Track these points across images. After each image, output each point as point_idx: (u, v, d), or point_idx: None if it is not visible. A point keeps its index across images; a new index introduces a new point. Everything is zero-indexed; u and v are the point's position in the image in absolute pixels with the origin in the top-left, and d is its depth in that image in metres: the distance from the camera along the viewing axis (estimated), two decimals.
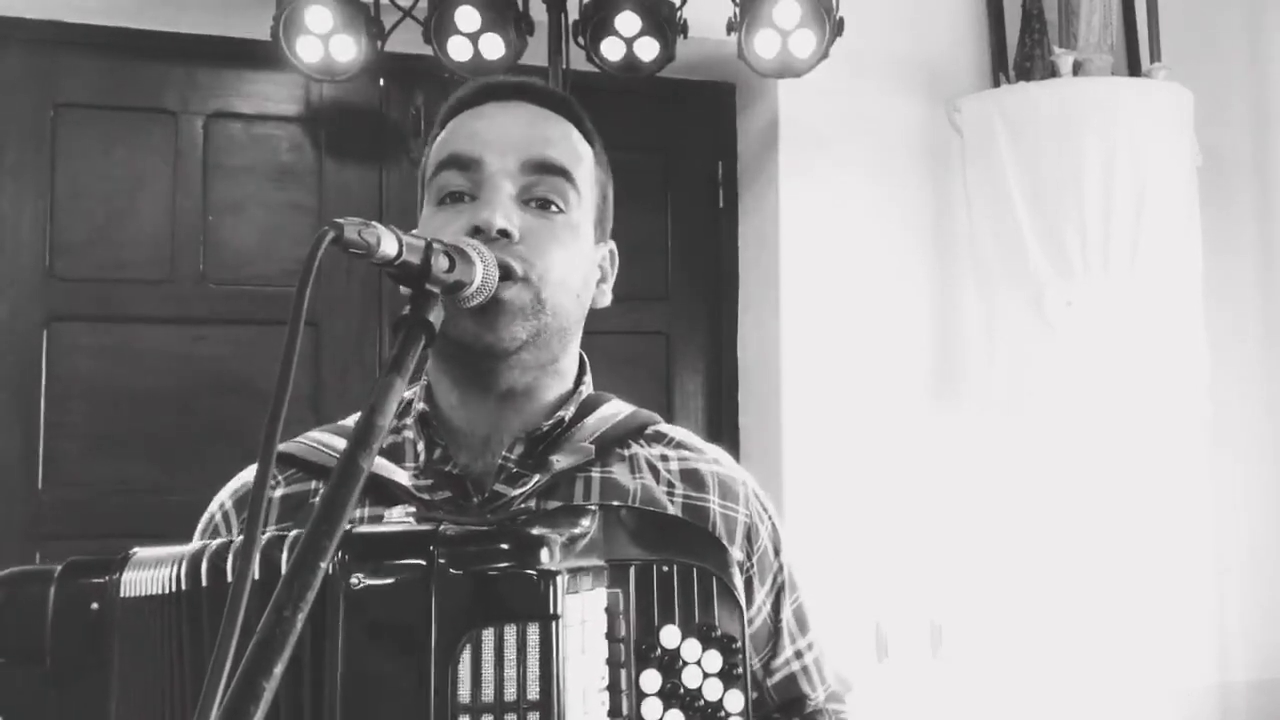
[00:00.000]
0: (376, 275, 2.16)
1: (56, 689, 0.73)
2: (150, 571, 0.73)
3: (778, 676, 0.98)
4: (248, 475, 0.96)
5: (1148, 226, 2.13)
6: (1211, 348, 2.22)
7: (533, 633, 0.65)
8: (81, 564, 0.75)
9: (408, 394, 0.95)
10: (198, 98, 2.16)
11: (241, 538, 0.74)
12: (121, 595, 0.73)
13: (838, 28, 1.97)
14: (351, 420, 0.96)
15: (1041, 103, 2.19)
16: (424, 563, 0.66)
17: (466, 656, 0.65)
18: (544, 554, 0.67)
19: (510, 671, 0.65)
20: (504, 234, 0.84)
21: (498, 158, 0.88)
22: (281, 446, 0.89)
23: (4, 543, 2.00)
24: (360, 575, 0.67)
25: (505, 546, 0.67)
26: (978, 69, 2.38)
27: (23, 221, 2.07)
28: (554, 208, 0.89)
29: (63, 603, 0.73)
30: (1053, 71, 2.24)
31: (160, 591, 0.72)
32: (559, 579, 0.66)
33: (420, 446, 0.90)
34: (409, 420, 0.92)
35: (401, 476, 0.86)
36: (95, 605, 0.73)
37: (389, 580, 0.67)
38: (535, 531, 0.69)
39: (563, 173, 0.89)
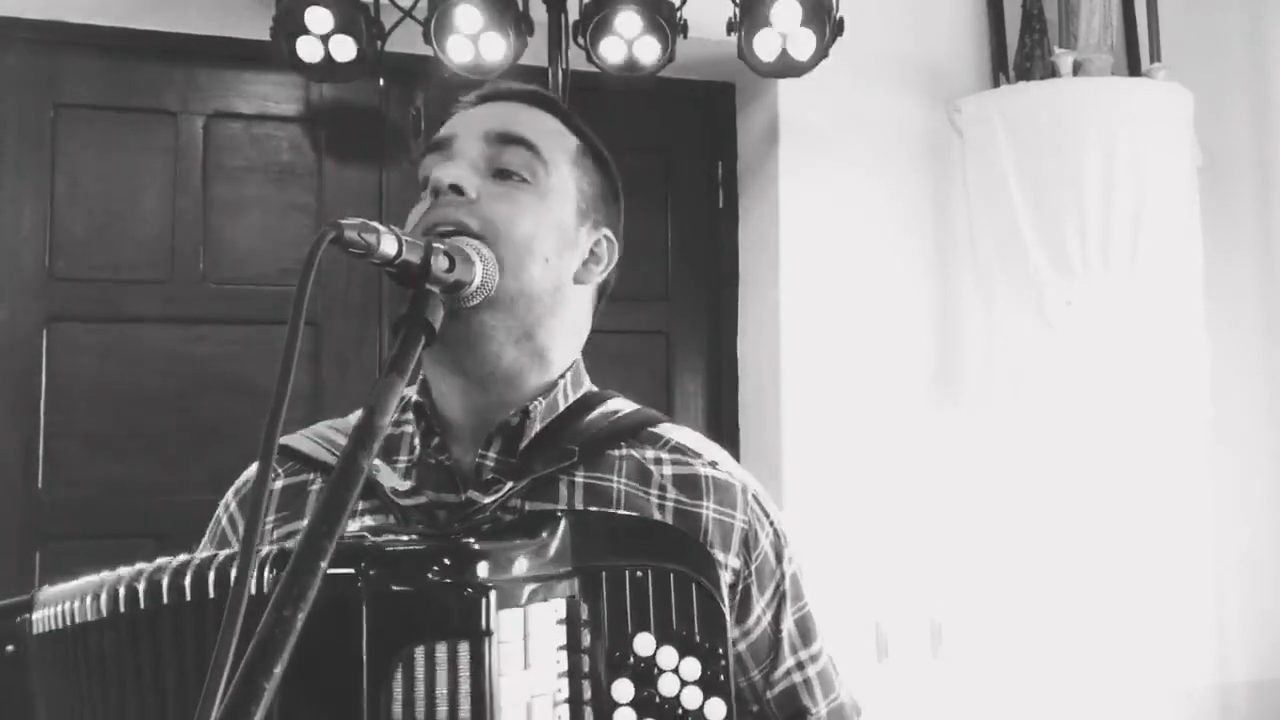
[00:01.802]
0: (376, 275, 2.16)
1: None
2: (60, 607, 0.75)
3: (778, 689, 0.95)
4: (251, 473, 0.97)
5: (1148, 226, 2.13)
6: (1211, 348, 2.22)
7: (463, 651, 0.63)
8: None
9: (410, 391, 0.95)
10: (198, 98, 2.16)
11: (159, 560, 0.74)
12: (35, 632, 0.74)
13: (838, 28, 1.97)
14: (354, 417, 0.96)
15: (1041, 103, 2.19)
16: (354, 580, 0.65)
17: (399, 675, 0.63)
18: (480, 569, 0.65)
19: (442, 690, 0.63)
20: (456, 189, 0.85)
21: (464, 132, 0.90)
22: (283, 439, 0.90)
23: (4, 543, 2.00)
24: None
25: (443, 562, 0.65)
26: (978, 69, 2.38)
27: (23, 221, 2.06)
28: (518, 178, 0.88)
29: None
30: (1053, 71, 2.24)
31: (76, 622, 0.73)
32: (491, 595, 0.64)
33: (416, 439, 0.90)
34: (409, 414, 0.92)
35: (386, 476, 0.86)
36: (10, 647, 0.75)
37: (320, 599, 0.66)
38: (476, 547, 0.67)
39: (528, 145, 0.89)
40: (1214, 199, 2.32)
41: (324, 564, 0.55)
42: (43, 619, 0.75)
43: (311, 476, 0.91)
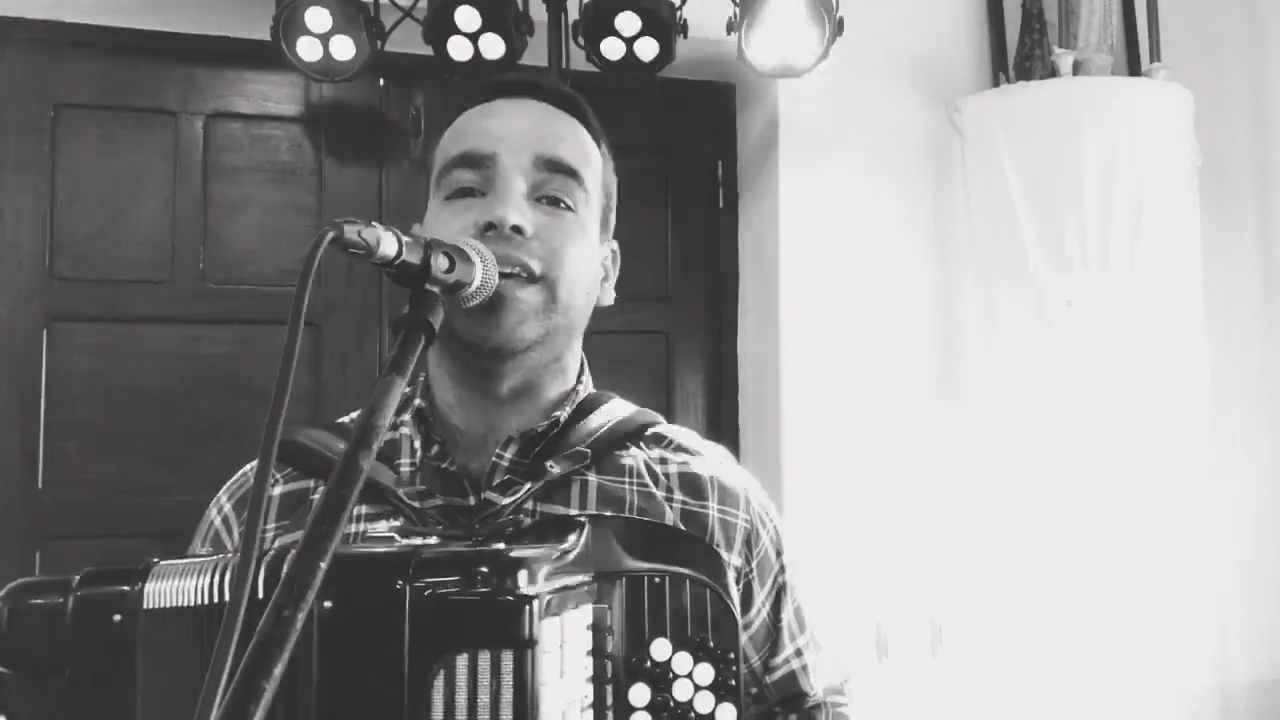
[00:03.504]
0: (377, 275, 2.16)
1: (77, 702, 0.72)
2: (175, 582, 0.72)
3: (778, 674, 0.98)
4: (245, 472, 0.96)
5: (1147, 226, 2.13)
6: (1211, 347, 2.22)
7: (507, 659, 0.63)
8: (100, 574, 0.74)
9: (408, 393, 0.94)
10: (198, 98, 2.16)
11: (271, 551, 0.72)
12: (146, 607, 0.71)
13: (838, 28, 1.97)
14: (349, 419, 0.95)
15: (1041, 103, 2.19)
16: (398, 588, 0.64)
17: (440, 683, 0.63)
18: (522, 577, 0.65)
19: (484, 698, 0.63)
20: (518, 230, 0.84)
21: (510, 154, 0.88)
22: (283, 439, 0.89)
23: (4, 543, 2.00)
24: (332, 599, 0.65)
25: (483, 570, 0.65)
26: (978, 69, 2.38)
27: (23, 221, 2.06)
28: (564, 205, 0.89)
29: (82, 614, 0.72)
30: (1053, 71, 2.24)
31: (188, 604, 0.71)
32: (535, 604, 0.64)
33: (417, 443, 0.90)
34: (406, 417, 0.92)
35: (393, 479, 0.86)
36: (117, 616, 0.71)
37: (362, 605, 0.65)
38: (515, 554, 0.66)
39: (573, 173, 0.90)
40: (1214, 199, 2.32)
41: (324, 564, 0.55)
42: (155, 593, 0.71)
43: (312, 484, 0.90)
